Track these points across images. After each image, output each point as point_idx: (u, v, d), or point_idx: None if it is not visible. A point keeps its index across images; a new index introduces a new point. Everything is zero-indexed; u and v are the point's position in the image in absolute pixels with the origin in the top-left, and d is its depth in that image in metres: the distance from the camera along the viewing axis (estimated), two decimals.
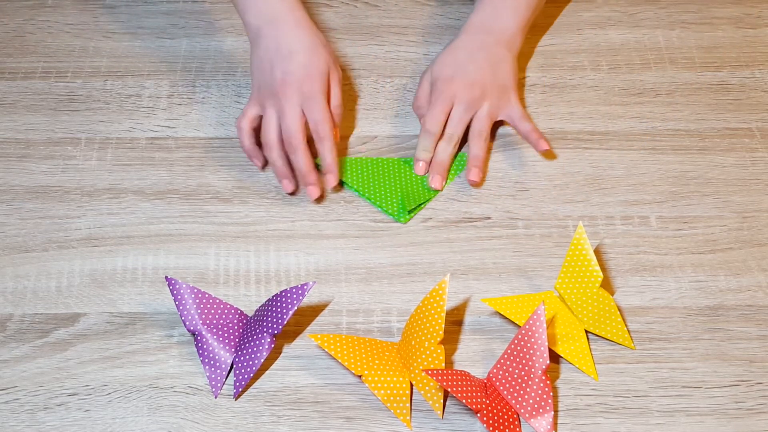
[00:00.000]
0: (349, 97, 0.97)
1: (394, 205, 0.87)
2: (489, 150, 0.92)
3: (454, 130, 0.89)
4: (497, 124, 0.94)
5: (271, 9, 0.88)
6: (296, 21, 0.88)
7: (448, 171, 0.89)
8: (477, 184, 0.89)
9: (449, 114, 0.89)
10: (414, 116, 0.95)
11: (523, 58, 1.00)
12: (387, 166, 0.90)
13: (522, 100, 0.96)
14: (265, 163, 0.90)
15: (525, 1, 0.95)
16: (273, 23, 0.88)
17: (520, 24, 0.94)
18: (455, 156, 0.90)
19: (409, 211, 0.86)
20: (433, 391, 0.73)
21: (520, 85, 0.97)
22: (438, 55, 0.94)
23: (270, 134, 0.86)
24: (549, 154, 0.91)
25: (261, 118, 0.88)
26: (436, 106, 0.89)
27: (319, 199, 0.87)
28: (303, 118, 0.86)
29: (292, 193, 0.88)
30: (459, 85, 0.89)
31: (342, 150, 0.92)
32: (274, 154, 0.86)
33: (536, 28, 1.03)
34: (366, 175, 0.89)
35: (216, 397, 0.74)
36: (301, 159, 0.85)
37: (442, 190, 0.88)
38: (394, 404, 0.73)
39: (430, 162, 0.89)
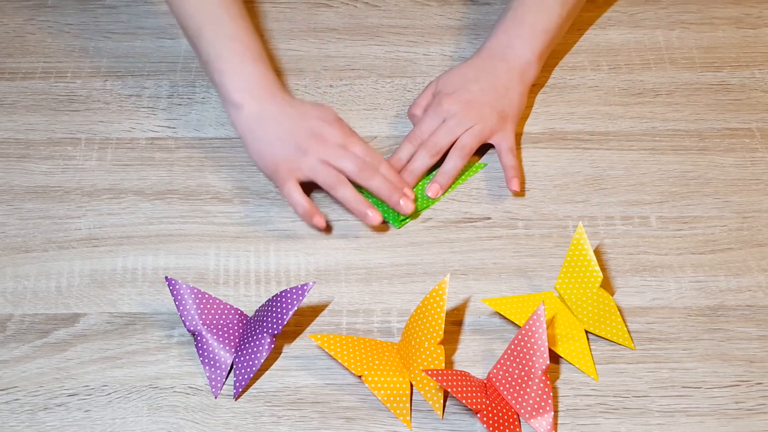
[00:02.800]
0: (349, 97, 0.97)
1: (392, 210, 0.86)
2: (460, 169, 0.91)
3: (438, 140, 0.87)
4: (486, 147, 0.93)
5: (263, 87, 0.86)
6: (285, 90, 0.87)
7: (417, 182, 0.88)
8: (431, 197, 0.87)
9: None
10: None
11: None
12: None
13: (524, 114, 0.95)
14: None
15: (542, 29, 0.92)
16: (265, 98, 0.85)
17: (536, 52, 0.92)
18: (430, 171, 0.89)
19: (404, 219, 0.86)
20: (433, 391, 0.73)
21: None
22: (447, 69, 0.93)
23: (334, 174, 0.83)
24: (549, 156, 0.91)
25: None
26: (429, 117, 0.88)
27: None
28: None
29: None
30: (457, 101, 0.88)
31: None
32: (347, 188, 0.83)
33: None
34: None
35: (216, 398, 0.74)
36: (380, 182, 0.83)
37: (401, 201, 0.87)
38: (394, 404, 0.73)
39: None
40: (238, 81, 0.86)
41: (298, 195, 0.83)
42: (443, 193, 0.88)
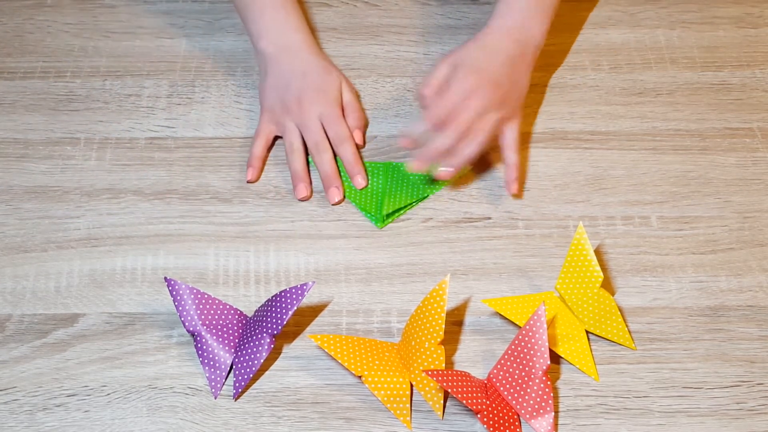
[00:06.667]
0: None
1: (374, 207, 0.86)
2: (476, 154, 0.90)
3: (479, 126, 0.83)
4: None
5: (286, 39, 0.93)
6: (309, 48, 0.93)
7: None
8: (443, 178, 0.85)
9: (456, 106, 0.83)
10: (414, 116, 0.95)
11: None
12: (371, 170, 0.89)
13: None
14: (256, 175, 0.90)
15: (549, 5, 0.90)
16: (288, 50, 0.92)
17: (545, 33, 0.91)
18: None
19: (387, 216, 0.86)
20: (434, 391, 0.73)
21: None
22: (463, 44, 0.88)
23: (295, 141, 0.89)
24: (550, 156, 0.91)
25: (273, 138, 0.91)
26: (452, 92, 0.83)
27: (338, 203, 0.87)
28: (323, 128, 0.89)
29: (303, 199, 0.87)
30: (484, 79, 0.84)
31: None
32: (297, 157, 0.88)
33: None
34: (348, 178, 0.89)
35: (215, 398, 0.74)
36: (328, 161, 0.87)
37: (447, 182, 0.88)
38: (394, 405, 0.73)
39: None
40: (265, 30, 0.93)
41: (257, 144, 0.90)
42: (433, 191, 0.88)
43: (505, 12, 0.89)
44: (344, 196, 0.87)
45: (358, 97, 0.95)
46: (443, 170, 0.84)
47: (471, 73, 0.84)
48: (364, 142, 0.92)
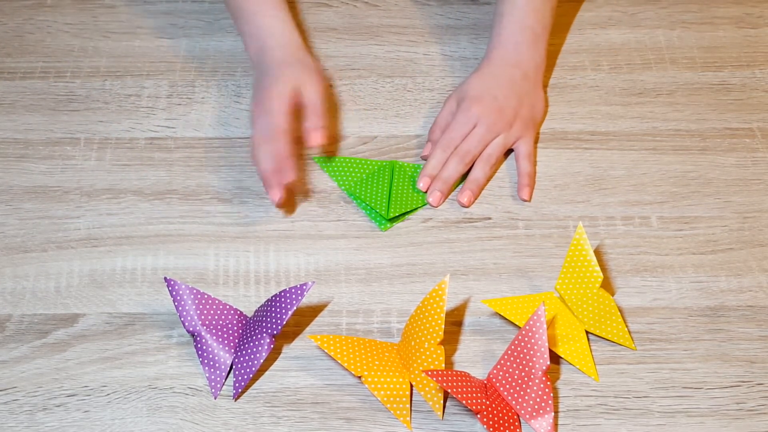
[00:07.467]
0: (349, 97, 0.97)
1: (379, 209, 0.86)
2: (489, 177, 0.90)
3: (470, 148, 0.87)
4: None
5: (263, 44, 0.90)
6: (281, 49, 0.90)
7: (451, 190, 0.88)
8: (465, 206, 0.87)
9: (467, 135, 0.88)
10: (414, 116, 0.95)
11: None
12: (378, 169, 0.89)
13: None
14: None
15: (541, 29, 0.93)
16: (263, 54, 0.90)
17: (542, 53, 0.93)
18: (462, 178, 0.89)
19: (391, 219, 0.86)
20: (433, 392, 0.73)
21: None
22: (464, 79, 0.93)
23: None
24: (550, 156, 0.91)
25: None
26: (458, 125, 0.88)
27: (289, 207, 0.86)
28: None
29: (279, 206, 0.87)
30: (486, 107, 0.89)
31: (338, 150, 0.92)
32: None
33: None
34: (355, 176, 0.89)
35: (215, 398, 0.74)
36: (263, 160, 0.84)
37: (437, 207, 0.88)
38: (394, 405, 0.73)
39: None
40: (250, 38, 0.92)
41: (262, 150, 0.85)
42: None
43: (498, 41, 0.93)
44: (284, 195, 0.84)
45: (329, 96, 0.92)
46: (464, 195, 0.87)
47: (474, 103, 0.89)
48: (327, 140, 0.87)
